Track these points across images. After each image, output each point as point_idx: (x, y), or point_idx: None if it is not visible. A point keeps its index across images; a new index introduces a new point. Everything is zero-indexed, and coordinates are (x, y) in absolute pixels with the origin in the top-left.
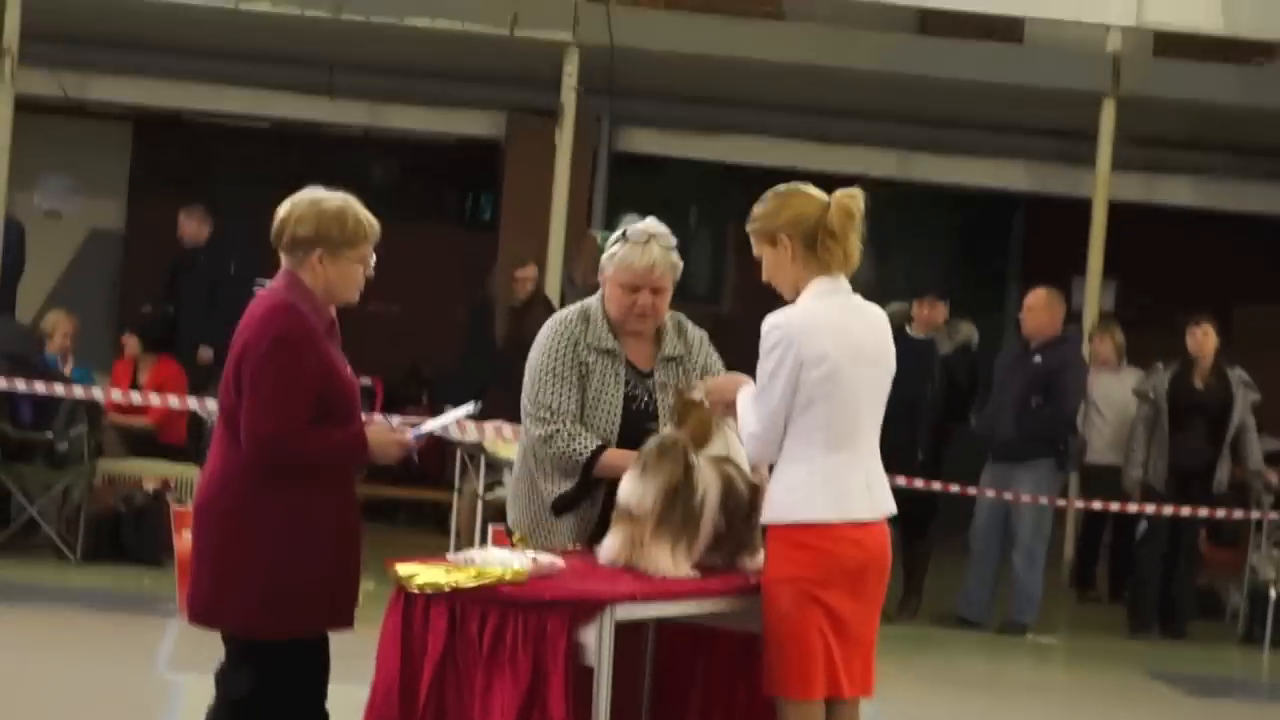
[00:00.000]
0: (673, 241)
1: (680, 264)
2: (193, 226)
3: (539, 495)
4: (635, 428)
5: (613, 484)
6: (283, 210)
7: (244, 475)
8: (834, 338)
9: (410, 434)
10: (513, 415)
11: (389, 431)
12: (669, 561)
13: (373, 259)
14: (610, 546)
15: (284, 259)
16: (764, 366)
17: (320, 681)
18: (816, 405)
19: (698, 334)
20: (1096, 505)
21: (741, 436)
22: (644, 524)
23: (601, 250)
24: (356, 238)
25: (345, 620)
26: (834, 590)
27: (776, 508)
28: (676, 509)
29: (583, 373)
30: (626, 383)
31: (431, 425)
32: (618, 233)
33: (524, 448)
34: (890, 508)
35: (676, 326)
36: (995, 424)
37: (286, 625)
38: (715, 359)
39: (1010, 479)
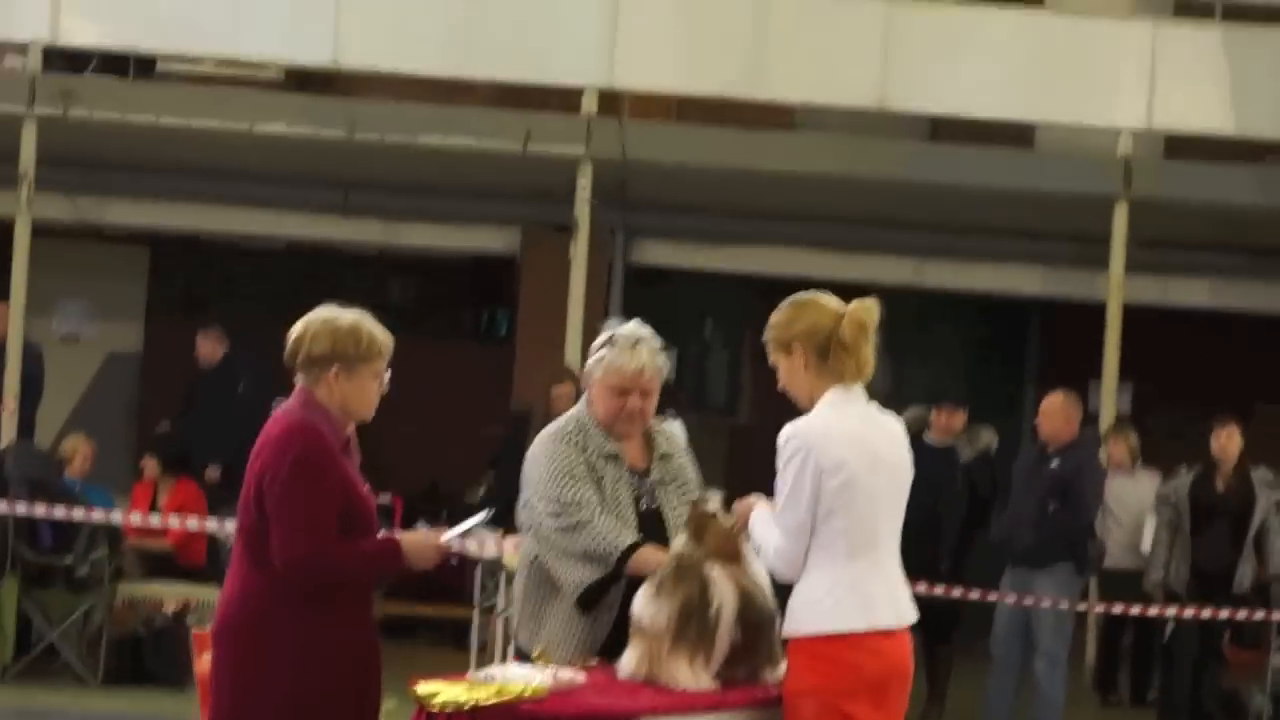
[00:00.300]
0: (659, 344)
1: (667, 366)
2: (208, 347)
3: (552, 607)
4: (645, 528)
5: (630, 590)
6: (297, 329)
7: (264, 596)
8: (851, 446)
9: (444, 538)
10: None
11: (424, 536)
12: (689, 674)
13: (387, 374)
14: (629, 661)
15: (299, 378)
16: (784, 478)
17: None
18: (836, 514)
19: (678, 430)
20: (1117, 609)
21: (763, 553)
22: (661, 638)
23: None
24: (371, 353)
25: None
26: (857, 702)
27: (799, 620)
28: (691, 624)
29: (595, 478)
30: (630, 485)
31: (456, 531)
32: (604, 336)
33: (531, 558)
34: (912, 616)
35: (659, 426)
36: (1013, 530)
37: None
38: (691, 461)
39: (1030, 584)
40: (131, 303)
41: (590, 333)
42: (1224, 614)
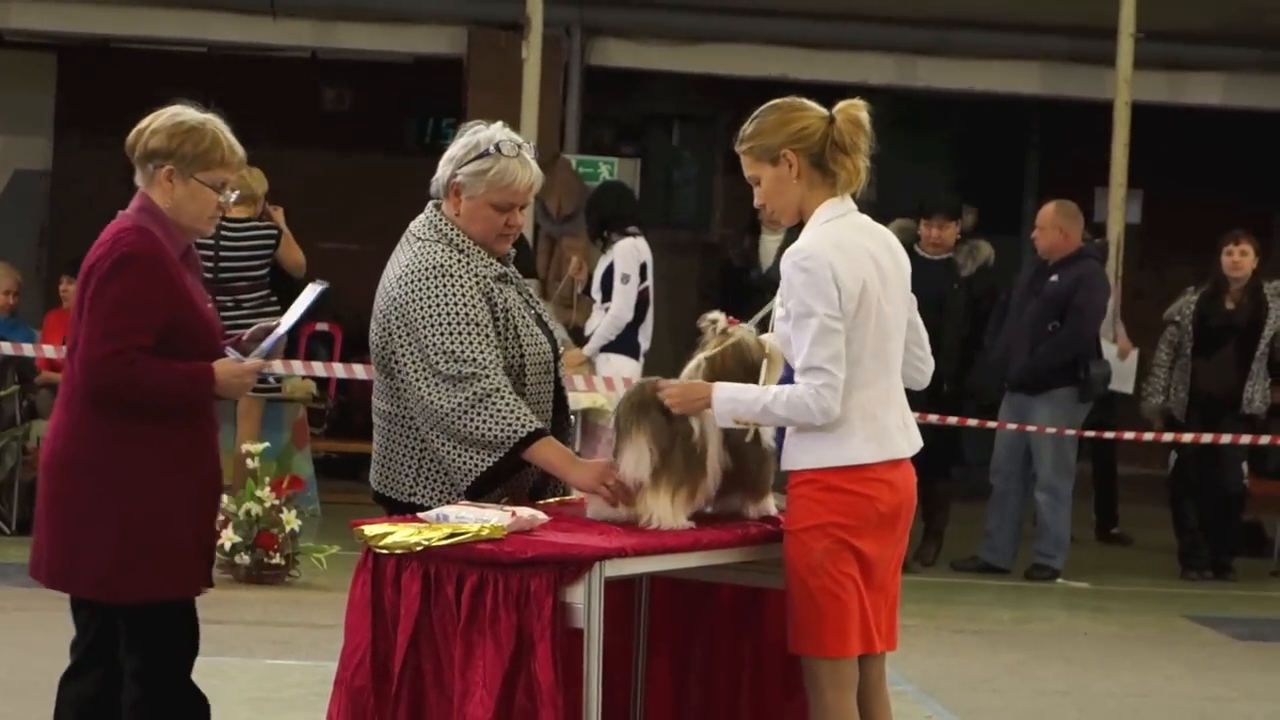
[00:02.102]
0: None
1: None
2: None
3: (446, 470)
4: (551, 345)
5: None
6: (143, 121)
7: (99, 421)
8: (863, 262)
9: (252, 359)
10: None
11: (235, 364)
12: (669, 511)
13: (232, 192)
14: (599, 501)
15: (137, 176)
16: (809, 304)
17: (193, 653)
18: (852, 336)
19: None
20: (1128, 435)
21: (791, 404)
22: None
23: (577, 177)
24: (211, 159)
25: (206, 580)
26: (867, 537)
27: (810, 451)
28: (675, 453)
29: (493, 310)
30: (526, 304)
31: (279, 332)
32: (474, 142)
33: (394, 404)
34: (919, 443)
35: None
36: (1010, 352)
37: (148, 588)
38: None
39: (1027, 412)
40: (38, 115)
41: (544, 143)
42: (1244, 439)
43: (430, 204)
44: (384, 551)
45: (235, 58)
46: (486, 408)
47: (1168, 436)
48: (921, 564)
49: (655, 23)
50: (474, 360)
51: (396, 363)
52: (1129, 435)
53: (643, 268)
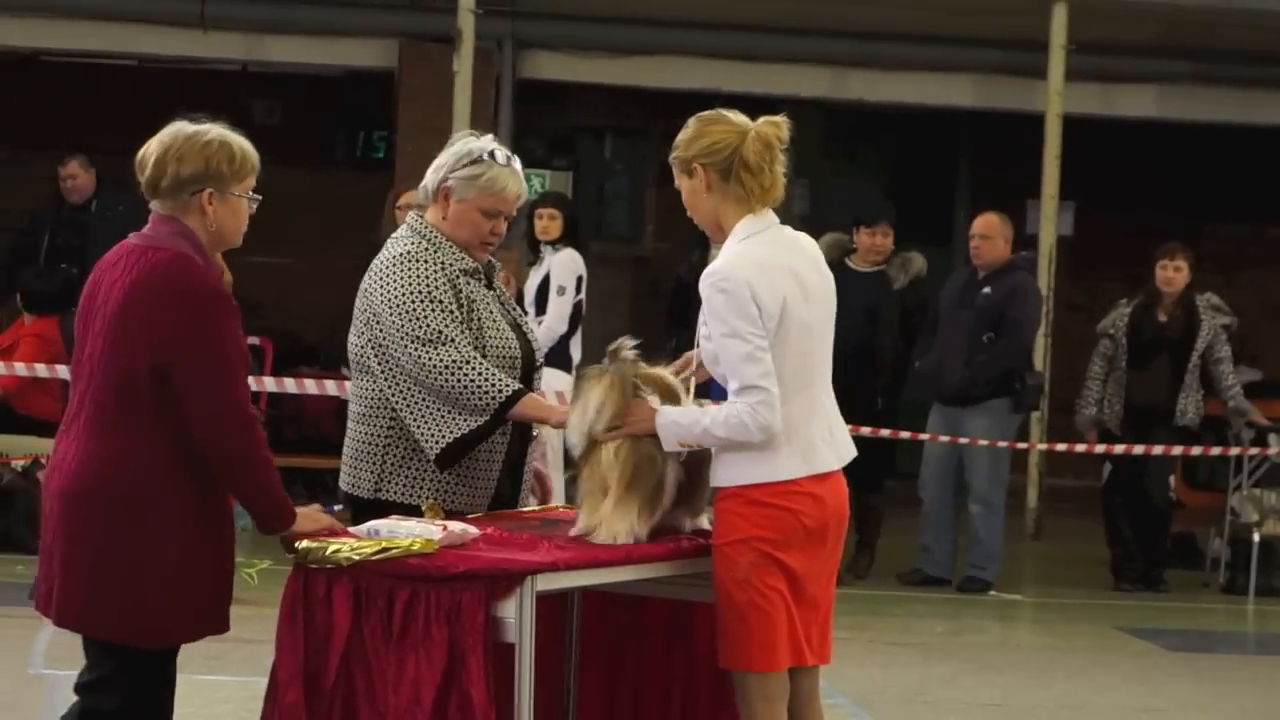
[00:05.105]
0: None
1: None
2: (81, 178)
3: (415, 447)
4: (521, 341)
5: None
6: (154, 150)
7: (153, 459)
8: (781, 278)
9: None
10: None
11: (320, 514)
12: (629, 527)
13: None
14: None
15: (161, 205)
16: (733, 325)
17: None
18: (773, 353)
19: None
20: (1060, 447)
21: (729, 423)
22: (600, 489)
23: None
24: (245, 170)
25: (225, 623)
26: (792, 551)
27: (733, 468)
28: (651, 472)
29: (458, 297)
30: (495, 299)
31: None
32: (467, 149)
33: (373, 398)
34: (852, 452)
35: None
36: (942, 364)
37: (171, 631)
38: None
39: (960, 424)
40: None
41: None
42: (1176, 450)
43: (411, 214)
44: (315, 566)
45: (165, 71)
46: (459, 377)
47: (1100, 448)
48: (854, 576)
49: (587, 35)
50: (439, 331)
51: (371, 350)
52: (1060, 447)
53: (579, 280)
